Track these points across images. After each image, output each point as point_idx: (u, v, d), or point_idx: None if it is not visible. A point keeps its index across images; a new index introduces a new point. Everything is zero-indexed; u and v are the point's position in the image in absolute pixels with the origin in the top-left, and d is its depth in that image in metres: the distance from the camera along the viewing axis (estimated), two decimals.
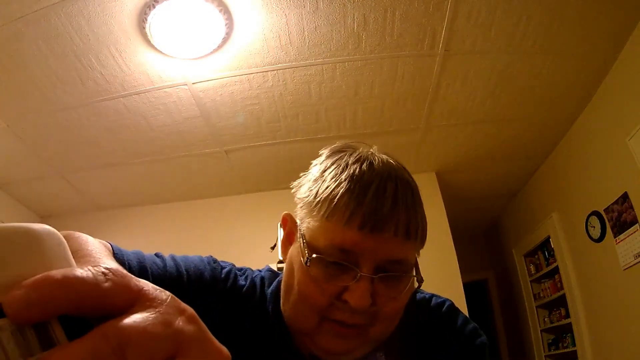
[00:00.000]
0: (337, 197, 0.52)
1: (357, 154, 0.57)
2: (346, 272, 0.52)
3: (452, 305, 0.67)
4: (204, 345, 0.22)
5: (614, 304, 2.59)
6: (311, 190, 0.56)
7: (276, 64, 2.17)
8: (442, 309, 0.66)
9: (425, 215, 0.57)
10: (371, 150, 0.59)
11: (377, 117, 2.63)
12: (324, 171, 0.57)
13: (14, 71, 2.04)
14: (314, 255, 0.53)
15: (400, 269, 0.53)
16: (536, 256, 3.86)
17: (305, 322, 0.55)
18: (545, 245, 3.64)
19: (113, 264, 0.35)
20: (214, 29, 1.89)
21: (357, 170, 0.54)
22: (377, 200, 0.52)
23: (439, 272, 2.80)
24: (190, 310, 0.23)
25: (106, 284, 0.20)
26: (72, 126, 2.47)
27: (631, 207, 2.32)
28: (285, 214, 0.63)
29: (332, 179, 0.54)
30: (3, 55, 1.95)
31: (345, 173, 0.54)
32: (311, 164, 0.62)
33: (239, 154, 2.91)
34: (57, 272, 0.19)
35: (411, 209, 0.54)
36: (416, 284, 0.56)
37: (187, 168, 3.01)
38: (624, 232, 2.39)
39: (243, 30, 1.94)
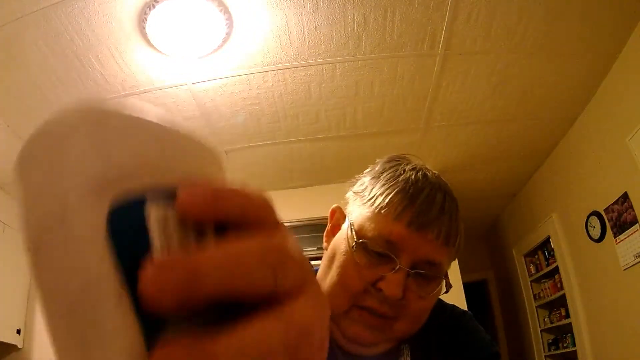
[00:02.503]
0: (392, 194, 0.58)
1: (412, 164, 0.63)
2: (386, 263, 0.56)
3: (472, 315, 0.72)
4: (319, 290, 0.22)
5: (614, 304, 2.59)
6: (367, 186, 0.62)
7: (276, 64, 2.17)
8: (464, 317, 0.71)
9: (463, 231, 0.62)
10: (424, 164, 0.65)
11: (377, 117, 2.63)
12: (382, 172, 0.62)
13: (14, 71, 2.04)
14: (361, 241, 0.58)
15: (434, 271, 0.58)
16: (536, 256, 3.86)
17: (336, 304, 0.58)
18: (545, 245, 3.64)
19: None
20: (214, 29, 1.89)
21: (413, 176, 0.59)
22: (427, 204, 0.57)
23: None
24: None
25: (269, 202, 0.21)
26: None
27: (631, 207, 2.32)
28: (336, 206, 0.69)
29: (389, 179, 0.60)
30: (3, 55, 1.95)
31: (402, 177, 0.60)
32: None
33: (239, 154, 2.91)
34: (236, 185, 0.20)
35: (454, 220, 0.60)
36: (444, 289, 0.61)
37: None
38: (624, 232, 2.39)
39: (243, 30, 1.94)
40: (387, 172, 0.61)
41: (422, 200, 0.57)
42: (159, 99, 2.34)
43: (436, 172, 0.64)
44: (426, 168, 0.63)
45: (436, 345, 0.65)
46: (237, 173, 3.15)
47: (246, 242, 0.18)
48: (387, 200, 0.57)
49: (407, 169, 0.61)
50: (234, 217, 0.19)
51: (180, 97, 2.35)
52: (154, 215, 0.16)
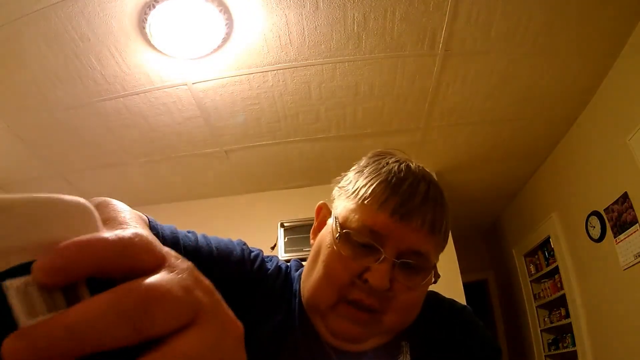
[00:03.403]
0: (375, 184, 0.58)
1: (396, 157, 0.64)
2: (371, 254, 0.56)
3: (472, 311, 0.71)
4: (219, 316, 0.22)
5: (614, 304, 2.59)
6: (351, 180, 0.63)
7: (276, 64, 2.17)
8: (464, 312, 0.70)
9: (449, 220, 0.61)
10: (409, 157, 0.66)
11: (377, 117, 2.63)
12: (366, 166, 0.63)
13: (14, 71, 2.04)
14: (344, 231, 0.57)
15: (421, 261, 0.57)
16: (536, 256, 3.86)
17: (323, 299, 0.58)
18: (545, 245, 3.64)
19: (143, 231, 0.36)
20: (214, 29, 1.89)
21: (396, 167, 0.60)
22: (410, 193, 0.57)
23: (439, 272, 2.80)
24: (207, 281, 0.24)
25: (131, 247, 0.21)
26: (72, 126, 2.47)
27: (631, 207, 2.32)
28: (322, 202, 0.69)
29: (372, 171, 0.61)
30: (3, 55, 1.95)
31: (385, 168, 0.60)
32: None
33: (239, 154, 2.91)
34: (84, 236, 0.20)
35: (439, 208, 0.59)
36: (432, 280, 0.60)
37: (187, 168, 3.01)
38: (624, 232, 2.39)
39: (243, 30, 1.94)
40: (371, 166, 0.62)
41: (404, 189, 0.57)
42: (159, 99, 2.34)
43: (421, 165, 0.64)
44: (410, 160, 0.63)
45: (436, 341, 0.64)
46: (237, 173, 3.15)
47: (99, 300, 0.18)
48: (370, 190, 0.57)
49: (390, 162, 0.61)
50: (96, 272, 0.19)
51: (180, 97, 2.35)
52: (13, 290, 0.18)
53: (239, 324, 0.24)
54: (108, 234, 0.20)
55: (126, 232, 0.21)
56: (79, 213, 0.22)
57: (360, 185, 0.59)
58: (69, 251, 0.19)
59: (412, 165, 0.61)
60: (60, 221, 0.21)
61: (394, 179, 0.58)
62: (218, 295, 0.24)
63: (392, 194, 0.56)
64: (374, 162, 0.63)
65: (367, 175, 0.60)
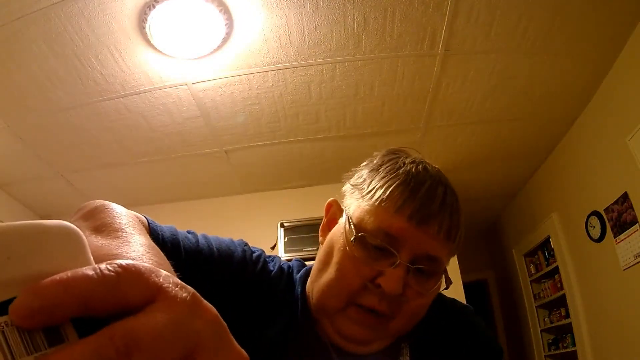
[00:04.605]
0: (393, 186, 0.56)
1: (412, 158, 0.62)
2: (385, 258, 0.55)
3: (473, 310, 0.71)
4: (221, 349, 0.21)
5: (614, 304, 2.59)
6: (366, 178, 0.60)
7: (276, 64, 2.17)
8: (465, 312, 0.69)
9: (464, 226, 0.60)
10: (423, 157, 0.64)
11: (377, 117, 2.63)
12: (381, 165, 0.60)
13: (14, 71, 2.04)
14: (360, 234, 0.55)
15: (434, 267, 0.56)
16: (536, 256, 3.86)
17: (333, 302, 0.57)
18: (545, 245, 3.64)
19: (143, 241, 0.34)
20: (214, 29, 1.89)
21: (414, 169, 0.58)
22: (428, 197, 0.55)
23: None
24: (212, 310, 0.22)
25: (118, 283, 0.19)
26: (72, 126, 2.47)
27: (631, 207, 2.32)
28: (332, 199, 0.66)
29: (389, 171, 0.58)
30: (3, 55, 1.95)
31: (402, 169, 0.58)
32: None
33: (239, 154, 2.91)
34: (63, 275, 0.18)
35: (455, 214, 0.58)
36: (444, 285, 0.59)
37: (187, 168, 3.01)
38: (624, 232, 2.39)
39: (243, 30, 1.94)
40: (387, 165, 0.60)
41: (423, 194, 0.55)
42: (159, 99, 2.34)
43: (436, 166, 0.62)
44: (426, 161, 0.62)
45: (437, 342, 0.63)
46: (237, 173, 3.15)
47: (81, 348, 0.17)
48: (387, 193, 0.55)
49: (407, 162, 0.59)
50: (79, 313, 0.18)
51: (180, 97, 2.35)
52: None
53: (244, 355, 0.23)
54: (92, 270, 0.19)
55: (112, 267, 0.20)
56: (64, 241, 0.20)
57: (377, 186, 0.57)
58: (48, 292, 0.18)
59: (429, 167, 0.60)
60: (44, 252, 0.19)
61: (412, 181, 0.56)
62: (223, 325, 0.22)
63: (410, 198, 0.55)
64: (389, 160, 0.61)
65: (383, 174, 0.58)
